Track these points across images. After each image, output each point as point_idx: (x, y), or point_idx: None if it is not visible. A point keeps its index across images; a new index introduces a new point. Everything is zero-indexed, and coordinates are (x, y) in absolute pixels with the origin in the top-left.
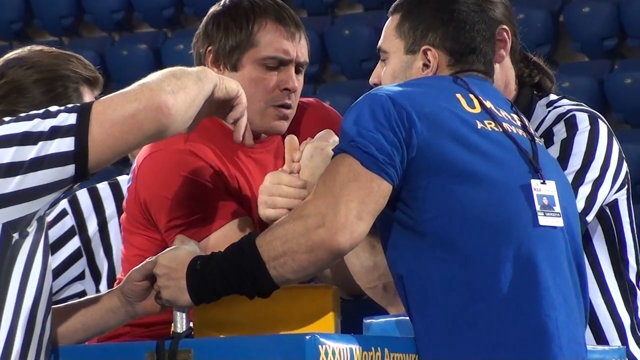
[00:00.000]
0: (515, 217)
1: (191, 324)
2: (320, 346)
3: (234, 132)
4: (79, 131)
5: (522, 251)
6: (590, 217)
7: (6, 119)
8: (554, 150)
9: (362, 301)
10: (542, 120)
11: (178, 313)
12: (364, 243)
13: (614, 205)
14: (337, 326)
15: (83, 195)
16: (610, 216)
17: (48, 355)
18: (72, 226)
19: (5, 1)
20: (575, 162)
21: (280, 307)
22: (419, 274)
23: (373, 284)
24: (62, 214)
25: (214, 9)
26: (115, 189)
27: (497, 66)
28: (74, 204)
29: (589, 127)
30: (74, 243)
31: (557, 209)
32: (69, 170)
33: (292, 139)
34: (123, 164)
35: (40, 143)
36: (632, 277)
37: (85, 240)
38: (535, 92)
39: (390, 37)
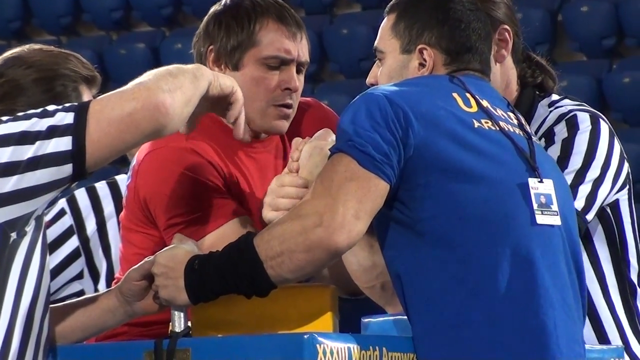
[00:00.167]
0: (513, 216)
1: (189, 323)
2: (318, 345)
3: (235, 130)
4: (77, 130)
5: (519, 250)
6: (590, 216)
7: (4, 118)
8: (555, 150)
9: (360, 300)
10: (543, 120)
11: (176, 312)
12: (362, 242)
13: (615, 205)
14: (335, 325)
15: (81, 195)
16: (612, 216)
17: (46, 354)
18: (71, 225)
19: (3, 0)
20: (576, 161)
21: (278, 306)
22: (416, 272)
23: (371, 283)
24: (61, 213)
25: (215, 8)
26: (114, 188)
27: (498, 66)
28: (72, 203)
29: (590, 127)
30: (73, 242)
31: (555, 207)
32: (66, 169)
33: (297, 142)
34: (121, 163)
35: (37, 142)
36: (634, 277)
37: (84, 240)
38: (537, 92)
39: (386, 37)
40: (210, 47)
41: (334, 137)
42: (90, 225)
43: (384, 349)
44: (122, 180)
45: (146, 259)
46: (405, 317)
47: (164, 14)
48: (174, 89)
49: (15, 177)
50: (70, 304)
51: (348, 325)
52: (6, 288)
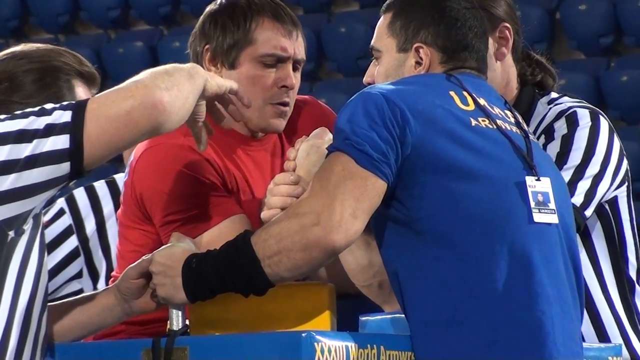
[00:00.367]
0: (510, 214)
1: (187, 322)
2: (316, 344)
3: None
4: (74, 129)
5: (517, 248)
6: (588, 212)
7: (1, 116)
8: (555, 146)
9: (358, 299)
10: (542, 118)
11: (174, 311)
12: (359, 241)
13: (613, 202)
14: (333, 324)
15: (80, 194)
16: (610, 213)
17: (44, 352)
18: (70, 225)
19: None
20: (575, 157)
21: (276, 304)
22: (414, 271)
23: (368, 282)
24: (60, 213)
25: (210, 7)
26: (112, 187)
27: (498, 64)
28: (72, 202)
29: (590, 123)
30: (72, 242)
31: (552, 205)
32: (64, 167)
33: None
34: (119, 162)
35: (35, 141)
36: (633, 274)
37: (83, 239)
38: (537, 90)
39: (382, 36)
40: (207, 46)
41: (331, 135)
42: (90, 225)
43: (381, 347)
44: (121, 178)
45: (144, 257)
46: (403, 315)
47: (161, 12)
48: (170, 86)
49: (13, 176)
50: (68, 302)
51: (346, 324)
52: (4, 286)
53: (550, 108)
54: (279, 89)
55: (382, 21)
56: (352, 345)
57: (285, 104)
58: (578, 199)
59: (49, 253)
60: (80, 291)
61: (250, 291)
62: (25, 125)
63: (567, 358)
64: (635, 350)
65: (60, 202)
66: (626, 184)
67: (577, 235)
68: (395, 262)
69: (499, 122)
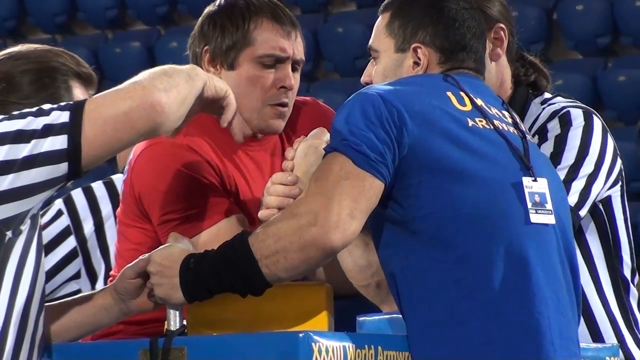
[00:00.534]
0: (507, 215)
1: (185, 322)
2: (313, 344)
3: (234, 135)
4: (72, 129)
5: (513, 249)
6: (583, 212)
7: None
8: (548, 146)
9: (356, 299)
10: (536, 118)
11: (171, 311)
12: (357, 241)
13: (607, 201)
14: (330, 324)
15: (78, 195)
16: (604, 213)
17: (41, 353)
18: (68, 226)
19: None
20: (569, 157)
21: (274, 305)
22: (410, 272)
23: (366, 282)
24: (58, 214)
25: (209, 8)
26: (110, 188)
27: (493, 64)
28: (70, 204)
29: (583, 123)
30: (70, 243)
31: (549, 206)
32: (62, 168)
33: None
34: (116, 162)
35: (33, 141)
36: (627, 273)
37: (81, 240)
38: (530, 91)
39: (380, 36)
40: (206, 47)
41: (329, 135)
42: (88, 226)
43: (379, 347)
44: (119, 179)
45: (141, 257)
46: (401, 315)
47: (159, 12)
48: (169, 88)
49: (10, 176)
50: (65, 302)
51: (343, 324)
52: (1, 287)
53: (544, 108)
54: (278, 89)
55: (380, 21)
56: (349, 345)
57: (283, 105)
58: (572, 198)
59: (47, 254)
60: (78, 292)
61: (247, 291)
62: (23, 125)
63: (564, 358)
64: (630, 351)
65: (59, 204)
66: (620, 183)
67: None
68: (392, 262)
69: (496, 122)
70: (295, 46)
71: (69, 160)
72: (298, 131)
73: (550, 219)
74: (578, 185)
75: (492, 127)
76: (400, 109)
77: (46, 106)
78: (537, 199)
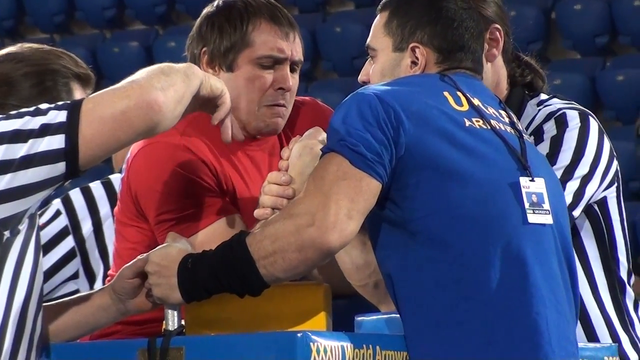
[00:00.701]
0: (504, 215)
1: (183, 322)
2: (311, 344)
3: (222, 133)
4: (69, 129)
5: (511, 249)
6: (577, 212)
7: None
8: (544, 147)
9: (354, 299)
10: (532, 119)
11: (169, 311)
12: (355, 241)
13: (603, 203)
14: (328, 324)
15: (76, 196)
16: (600, 214)
17: (39, 352)
18: (66, 226)
19: None
20: (564, 158)
21: (272, 304)
22: (408, 272)
23: (364, 282)
24: (56, 214)
25: (207, 10)
26: (109, 188)
27: (489, 65)
28: (68, 204)
29: (579, 124)
30: (68, 243)
31: (547, 206)
32: (59, 167)
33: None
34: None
35: (30, 141)
36: (623, 274)
37: (80, 240)
38: (526, 92)
39: (378, 35)
40: (204, 49)
41: (324, 135)
42: (86, 226)
43: (377, 347)
44: (117, 179)
45: (139, 257)
46: (399, 315)
47: (157, 12)
48: (166, 87)
49: (8, 176)
50: (64, 302)
51: (341, 324)
52: None
53: (540, 109)
54: (275, 90)
55: (379, 20)
56: (347, 345)
57: (280, 105)
58: (567, 199)
59: (45, 254)
60: (77, 292)
61: (245, 292)
62: (21, 125)
63: (562, 358)
64: (626, 352)
65: (57, 204)
66: (616, 184)
67: None
68: (389, 263)
69: (493, 122)
70: (294, 47)
71: (66, 159)
72: (297, 131)
73: (548, 219)
74: (572, 185)
75: (489, 127)
76: (397, 109)
77: (43, 106)
78: (534, 199)
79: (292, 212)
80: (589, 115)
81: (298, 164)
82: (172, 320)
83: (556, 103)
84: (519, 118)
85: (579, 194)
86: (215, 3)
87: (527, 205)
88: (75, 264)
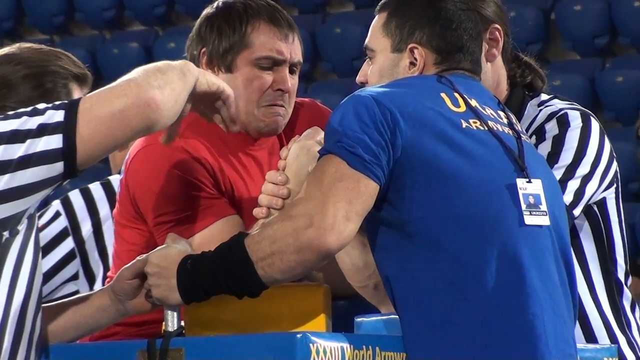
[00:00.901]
0: (501, 217)
1: (182, 323)
2: (311, 345)
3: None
4: (67, 128)
5: (507, 251)
6: (577, 211)
7: None
8: (546, 146)
9: (354, 300)
10: (533, 119)
11: (169, 312)
12: (355, 242)
13: (602, 203)
14: (328, 325)
15: (76, 197)
16: (599, 215)
17: (38, 353)
18: (66, 227)
19: None
20: (566, 157)
21: (272, 305)
22: (405, 274)
23: (364, 283)
24: (56, 215)
25: (206, 11)
26: (108, 189)
27: (488, 65)
28: (67, 205)
29: (581, 124)
30: (68, 244)
31: (544, 207)
32: (57, 167)
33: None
34: None
35: (28, 141)
36: (621, 276)
37: (79, 241)
38: (526, 92)
39: (376, 36)
40: (203, 50)
41: (322, 135)
42: (86, 227)
43: (377, 348)
44: (116, 180)
45: (138, 258)
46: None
47: (156, 13)
48: (163, 85)
49: (6, 176)
50: (63, 303)
51: (341, 325)
52: None
53: (541, 110)
54: (274, 92)
55: (377, 20)
56: (347, 346)
57: (278, 105)
58: (567, 197)
59: (45, 255)
60: (77, 293)
61: (244, 293)
62: (18, 125)
63: None
64: (623, 353)
65: (56, 205)
66: (615, 185)
67: None
68: (387, 264)
69: (490, 123)
70: (293, 49)
71: (64, 159)
72: (296, 132)
73: (545, 220)
74: (573, 185)
75: (486, 129)
76: (393, 111)
77: (41, 105)
78: (531, 200)
79: (290, 214)
80: (591, 115)
81: (295, 164)
82: (172, 321)
83: (557, 103)
84: (519, 119)
85: (579, 193)
86: (215, 4)
87: (524, 206)
88: (75, 265)
